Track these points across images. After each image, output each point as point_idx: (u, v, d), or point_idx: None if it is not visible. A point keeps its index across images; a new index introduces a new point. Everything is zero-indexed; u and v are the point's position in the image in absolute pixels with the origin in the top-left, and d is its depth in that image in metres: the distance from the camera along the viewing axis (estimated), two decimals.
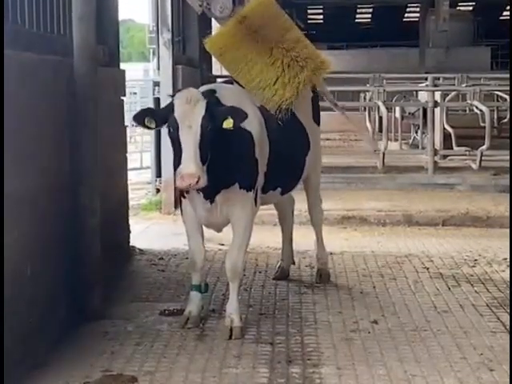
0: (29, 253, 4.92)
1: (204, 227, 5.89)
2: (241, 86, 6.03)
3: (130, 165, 8.61)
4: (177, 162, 5.19)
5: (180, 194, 5.81)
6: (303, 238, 8.26)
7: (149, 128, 5.41)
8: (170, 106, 5.31)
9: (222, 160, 5.37)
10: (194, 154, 5.09)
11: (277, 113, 5.90)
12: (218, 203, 5.58)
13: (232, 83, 6.15)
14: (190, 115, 5.17)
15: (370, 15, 39.42)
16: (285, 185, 6.29)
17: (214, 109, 5.24)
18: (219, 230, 5.97)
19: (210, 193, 5.50)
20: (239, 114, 5.28)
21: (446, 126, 13.90)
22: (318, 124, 6.80)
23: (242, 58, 6.00)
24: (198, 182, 5.05)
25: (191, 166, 5.05)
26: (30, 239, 4.96)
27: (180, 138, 5.15)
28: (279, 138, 5.94)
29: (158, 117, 5.38)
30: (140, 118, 5.38)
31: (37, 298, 5.02)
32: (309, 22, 39.00)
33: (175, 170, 5.21)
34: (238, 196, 5.58)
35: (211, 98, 5.37)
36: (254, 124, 5.65)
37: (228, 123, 5.21)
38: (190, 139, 5.11)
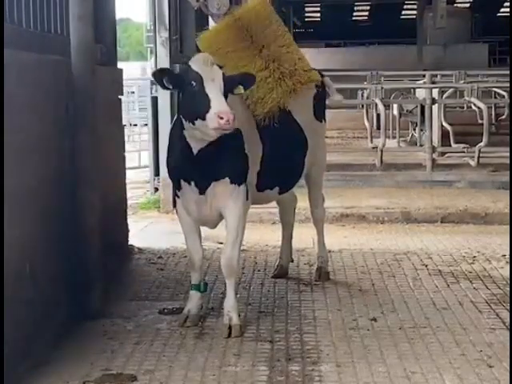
0: (29, 252, 4.93)
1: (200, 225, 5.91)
2: None
3: (128, 164, 8.61)
4: (196, 110, 5.29)
5: (174, 194, 5.87)
6: (302, 236, 8.27)
7: (166, 88, 5.55)
8: (187, 69, 5.47)
9: (214, 151, 5.46)
10: (223, 98, 5.31)
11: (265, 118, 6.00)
12: (208, 196, 5.62)
13: None
14: (212, 71, 5.40)
15: (367, 12, 39.47)
16: (282, 184, 6.31)
17: (226, 75, 5.46)
18: (213, 226, 5.95)
19: (202, 181, 5.59)
20: (248, 80, 5.59)
21: (444, 123, 13.91)
22: (322, 121, 6.75)
23: (232, 57, 6.03)
24: (234, 118, 5.21)
25: (225, 105, 5.25)
26: (30, 238, 4.96)
27: (205, 89, 5.31)
28: (274, 139, 5.98)
29: (175, 79, 5.51)
30: (159, 78, 5.50)
31: (36, 297, 5.02)
32: (306, 19, 39.04)
33: (188, 118, 5.36)
34: (228, 190, 5.61)
35: None
36: (241, 122, 5.67)
37: (239, 89, 5.51)
38: (217, 88, 5.33)
